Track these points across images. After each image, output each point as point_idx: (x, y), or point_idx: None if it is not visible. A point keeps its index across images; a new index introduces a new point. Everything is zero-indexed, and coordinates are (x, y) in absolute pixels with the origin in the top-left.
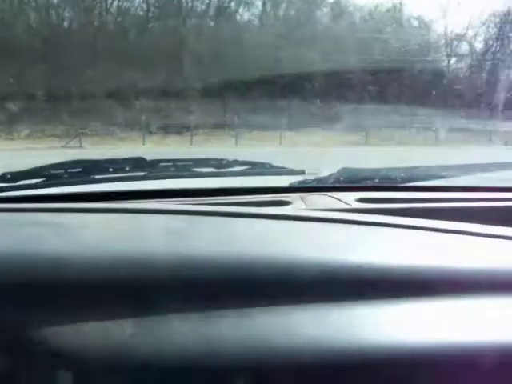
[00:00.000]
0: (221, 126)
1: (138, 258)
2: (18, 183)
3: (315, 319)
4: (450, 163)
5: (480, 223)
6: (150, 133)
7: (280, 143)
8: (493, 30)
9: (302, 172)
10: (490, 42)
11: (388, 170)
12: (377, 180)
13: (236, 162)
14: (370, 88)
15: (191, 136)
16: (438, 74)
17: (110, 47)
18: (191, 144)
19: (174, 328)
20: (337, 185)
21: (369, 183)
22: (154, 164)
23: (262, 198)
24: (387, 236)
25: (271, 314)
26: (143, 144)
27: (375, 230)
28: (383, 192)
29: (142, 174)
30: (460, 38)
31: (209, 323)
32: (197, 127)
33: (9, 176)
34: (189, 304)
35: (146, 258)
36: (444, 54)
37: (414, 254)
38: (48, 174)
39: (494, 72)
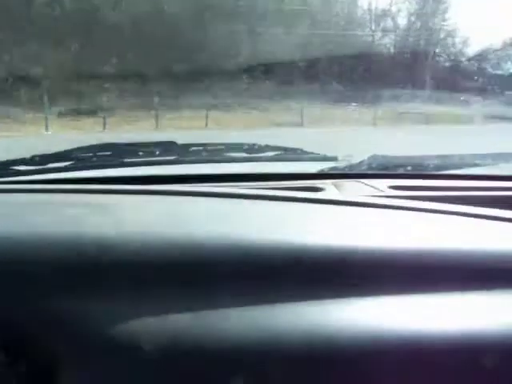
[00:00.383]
0: (141, 107)
1: (185, 241)
2: (46, 166)
3: (355, 307)
4: (486, 151)
5: None
6: (60, 115)
7: (206, 125)
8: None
9: (335, 158)
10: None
11: (420, 157)
12: (409, 167)
13: (268, 148)
14: (300, 65)
15: (104, 118)
16: (369, 51)
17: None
18: (104, 129)
19: (227, 316)
20: (369, 172)
21: (401, 170)
22: (185, 148)
23: (294, 184)
24: (423, 221)
25: (326, 302)
26: (45, 130)
27: (410, 214)
28: (416, 179)
29: (173, 158)
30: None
31: (264, 312)
32: (112, 108)
33: (37, 159)
34: (243, 291)
35: (194, 242)
36: (370, 29)
37: (451, 239)
38: (77, 157)
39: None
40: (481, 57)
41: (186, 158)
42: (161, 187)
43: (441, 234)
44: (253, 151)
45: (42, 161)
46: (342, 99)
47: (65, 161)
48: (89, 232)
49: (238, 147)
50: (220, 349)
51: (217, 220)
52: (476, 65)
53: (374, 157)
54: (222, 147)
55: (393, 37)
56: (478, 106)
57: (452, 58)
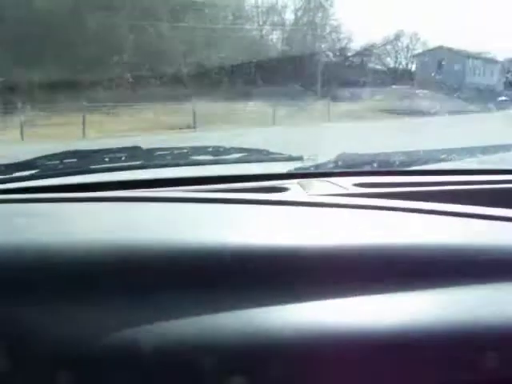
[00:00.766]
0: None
1: (133, 246)
2: (11, 175)
3: (317, 306)
4: (451, 146)
5: (481, 206)
6: None
7: (83, 135)
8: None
9: (300, 158)
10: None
11: (387, 154)
12: (375, 165)
13: (233, 150)
14: (189, 61)
15: None
16: (259, 47)
17: None
18: None
19: (171, 318)
20: (335, 170)
21: (367, 168)
22: (151, 152)
23: (259, 185)
24: (385, 219)
25: (274, 303)
26: None
27: (373, 213)
28: (382, 176)
29: (139, 163)
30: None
31: (206, 313)
32: None
33: (2, 168)
34: (186, 294)
35: (142, 247)
36: (258, 24)
37: (413, 236)
38: (42, 166)
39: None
40: (366, 52)
41: (152, 163)
42: (117, 194)
43: (398, 232)
44: (218, 153)
45: (6, 170)
46: (235, 97)
47: (30, 169)
48: (31, 240)
49: (203, 150)
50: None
51: (170, 225)
52: (362, 60)
53: (341, 155)
54: (188, 150)
55: (280, 32)
56: (368, 100)
57: (338, 53)
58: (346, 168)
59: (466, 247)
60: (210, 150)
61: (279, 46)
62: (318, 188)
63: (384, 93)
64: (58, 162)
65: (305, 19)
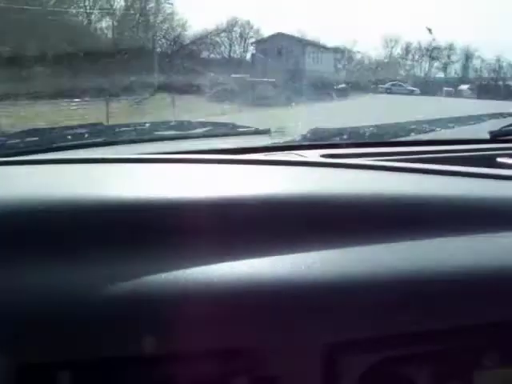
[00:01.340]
0: None
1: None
2: None
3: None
4: (423, 118)
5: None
6: None
7: None
8: None
9: (267, 131)
10: None
11: (357, 127)
12: (345, 136)
13: (198, 124)
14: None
15: None
16: (87, 36)
17: None
18: None
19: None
20: (303, 143)
21: (336, 140)
22: (113, 129)
23: (223, 158)
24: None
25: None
26: None
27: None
28: (349, 148)
29: (101, 139)
30: None
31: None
32: None
33: None
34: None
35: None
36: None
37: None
38: (3, 144)
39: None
40: (201, 41)
41: (115, 139)
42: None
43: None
44: (183, 128)
45: None
46: (59, 93)
47: None
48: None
49: (167, 125)
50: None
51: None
52: (197, 49)
53: (310, 129)
54: (151, 126)
55: (110, 19)
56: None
57: (173, 42)
58: (315, 141)
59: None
60: (174, 124)
61: (110, 34)
62: (284, 159)
63: (223, 82)
64: (18, 140)
65: (136, 5)
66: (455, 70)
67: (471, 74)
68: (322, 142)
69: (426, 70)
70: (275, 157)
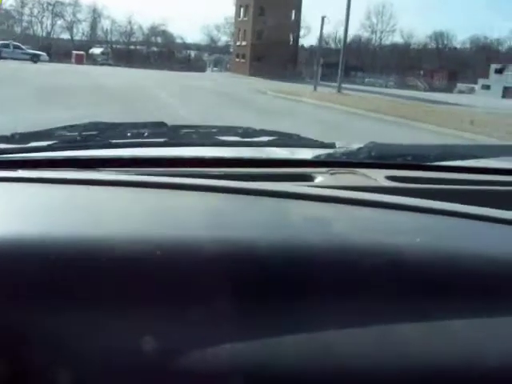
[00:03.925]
0: None
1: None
2: (27, 145)
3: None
4: (492, 143)
5: None
6: None
7: None
8: None
9: (332, 145)
10: None
11: (421, 147)
12: (409, 157)
13: (263, 132)
14: None
15: None
16: None
17: None
18: None
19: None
20: (366, 160)
21: (400, 160)
22: (176, 130)
23: (287, 171)
24: (413, 220)
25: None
26: None
27: (402, 213)
28: (415, 171)
29: (163, 140)
30: None
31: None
32: None
33: (18, 137)
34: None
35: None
36: None
37: (446, 240)
38: (60, 137)
39: None
40: None
41: (177, 141)
42: (150, 178)
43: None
44: (247, 135)
45: (22, 139)
46: None
47: (47, 140)
48: (53, 231)
49: (231, 130)
50: None
51: (208, 218)
52: None
53: (372, 145)
54: (215, 130)
55: None
56: None
57: None
58: (378, 159)
59: (498, 256)
60: (240, 131)
61: None
62: (348, 178)
63: None
64: (76, 133)
65: None
66: (83, 30)
67: (101, 36)
68: (384, 161)
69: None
70: (340, 176)
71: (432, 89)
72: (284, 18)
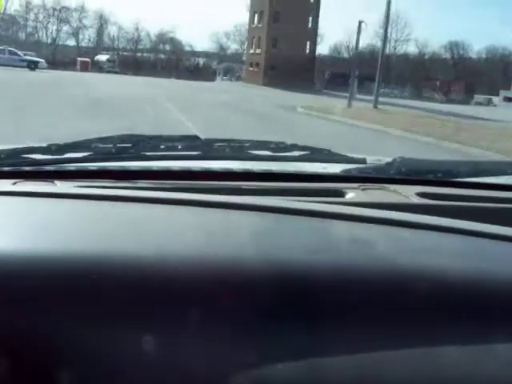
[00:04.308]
0: None
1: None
2: (63, 156)
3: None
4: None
5: None
6: None
7: None
8: None
9: (363, 160)
10: None
11: (450, 163)
12: (440, 174)
13: (295, 147)
14: None
15: None
16: None
17: None
18: None
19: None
20: (397, 176)
21: (431, 177)
22: (209, 143)
23: (319, 186)
24: (454, 242)
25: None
26: None
27: (442, 235)
28: (446, 188)
29: (196, 153)
30: None
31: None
32: None
33: (54, 148)
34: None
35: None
36: None
37: (479, 264)
38: (96, 148)
39: None
40: None
41: (210, 154)
42: (186, 195)
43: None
44: (279, 150)
45: (58, 150)
46: None
47: (83, 151)
48: (93, 248)
49: (264, 145)
50: None
51: (255, 237)
52: None
53: (403, 160)
54: (248, 144)
55: None
56: None
57: None
58: (408, 175)
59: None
60: (272, 145)
61: None
62: (379, 195)
63: None
64: (111, 145)
65: None
66: (89, 36)
67: (108, 43)
68: (415, 178)
69: (54, 34)
70: (371, 192)
71: (449, 100)
72: (300, 25)
